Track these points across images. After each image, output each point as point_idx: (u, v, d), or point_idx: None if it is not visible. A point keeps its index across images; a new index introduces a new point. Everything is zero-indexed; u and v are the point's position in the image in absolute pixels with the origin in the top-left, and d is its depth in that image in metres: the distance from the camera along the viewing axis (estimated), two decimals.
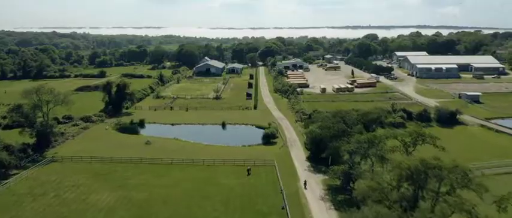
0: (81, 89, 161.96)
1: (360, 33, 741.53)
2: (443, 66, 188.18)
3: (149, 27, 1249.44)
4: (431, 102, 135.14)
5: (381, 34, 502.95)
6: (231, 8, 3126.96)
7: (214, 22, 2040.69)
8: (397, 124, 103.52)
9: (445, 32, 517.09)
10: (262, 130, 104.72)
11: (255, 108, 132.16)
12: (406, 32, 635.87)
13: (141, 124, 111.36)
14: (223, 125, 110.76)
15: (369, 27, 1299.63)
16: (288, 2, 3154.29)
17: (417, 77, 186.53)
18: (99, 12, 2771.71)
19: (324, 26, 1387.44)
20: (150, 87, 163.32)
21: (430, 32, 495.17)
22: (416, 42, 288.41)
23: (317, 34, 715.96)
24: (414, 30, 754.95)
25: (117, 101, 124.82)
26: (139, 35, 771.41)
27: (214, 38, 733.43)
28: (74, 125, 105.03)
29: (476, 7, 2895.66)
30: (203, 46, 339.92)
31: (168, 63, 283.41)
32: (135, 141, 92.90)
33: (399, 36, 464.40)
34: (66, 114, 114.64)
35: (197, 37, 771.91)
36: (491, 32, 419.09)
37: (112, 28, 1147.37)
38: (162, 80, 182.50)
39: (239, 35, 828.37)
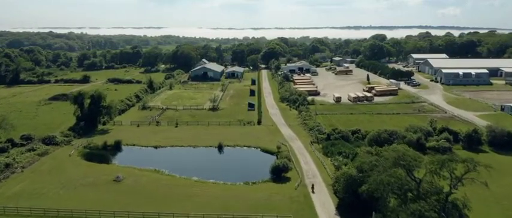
0: (56, 98, 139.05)
1: (362, 34, 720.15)
2: (472, 71, 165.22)
3: (149, 28, 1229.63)
4: (470, 116, 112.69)
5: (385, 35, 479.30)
6: (231, 8, 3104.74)
7: (214, 22, 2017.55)
8: (442, 150, 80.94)
9: (445, 32, 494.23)
10: (269, 156, 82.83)
11: (259, 122, 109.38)
12: (409, 32, 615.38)
13: (117, 146, 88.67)
14: (220, 148, 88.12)
15: (370, 27, 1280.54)
16: (288, 2, 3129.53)
17: (442, 83, 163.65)
18: (100, 12, 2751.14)
19: (325, 26, 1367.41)
20: (136, 96, 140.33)
21: (432, 33, 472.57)
22: (433, 43, 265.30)
23: (318, 34, 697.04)
24: (417, 30, 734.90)
25: (90, 116, 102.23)
26: (137, 35, 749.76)
27: (214, 38, 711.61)
28: (29, 150, 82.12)
29: (476, 8, 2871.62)
30: (201, 47, 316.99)
31: (163, 66, 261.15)
32: (103, 175, 70.03)
33: (408, 36, 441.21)
34: (25, 133, 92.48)
35: (196, 37, 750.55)
36: (506, 32, 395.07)
37: (111, 28, 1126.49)
38: (151, 86, 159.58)
39: (239, 35, 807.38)
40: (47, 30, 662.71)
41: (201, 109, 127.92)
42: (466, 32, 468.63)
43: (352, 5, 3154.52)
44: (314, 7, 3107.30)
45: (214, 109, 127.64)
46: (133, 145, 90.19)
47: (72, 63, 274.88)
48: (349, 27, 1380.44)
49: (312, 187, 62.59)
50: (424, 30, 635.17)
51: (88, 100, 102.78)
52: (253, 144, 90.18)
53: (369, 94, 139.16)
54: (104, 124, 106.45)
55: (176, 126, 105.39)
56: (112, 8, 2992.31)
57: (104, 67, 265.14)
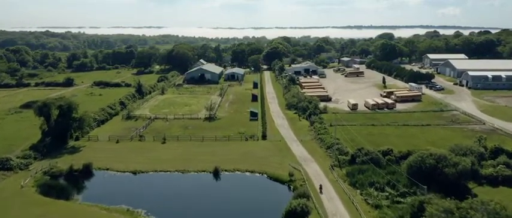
0: (28, 105, 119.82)
1: (364, 33, 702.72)
2: (502, 74, 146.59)
3: (150, 27, 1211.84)
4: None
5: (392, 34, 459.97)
6: (231, 8, 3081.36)
7: (215, 22, 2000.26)
8: (501, 179, 62.69)
9: (449, 32, 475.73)
10: (278, 186, 65.04)
11: (264, 137, 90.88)
12: (412, 32, 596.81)
13: (86, 171, 70.20)
14: (216, 173, 69.72)
15: (371, 27, 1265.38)
16: (288, 2, 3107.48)
17: (469, 87, 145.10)
18: (100, 12, 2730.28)
19: (325, 25, 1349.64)
20: (121, 102, 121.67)
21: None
22: (449, 43, 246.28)
23: (319, 34, 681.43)
24: (420, 30, 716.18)
25: (58, 130, 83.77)
26: (136, 35, 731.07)
27: (214, 38, 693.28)
28: None
29: (476, 8, 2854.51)
30: (199, 46, 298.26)
31: (157, 67, 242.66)
32: None
33: (415, 35, 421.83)
34: None
35: (196, 37, 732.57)
36: None
37: (111, 28, 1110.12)
38: (140, 91, 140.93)
39: (240, 34, 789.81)
40: (45, 30, 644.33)
41: (195, 119, 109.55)
42: (468, 31, 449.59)
43: (352, 4, 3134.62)
44: (314, 7, 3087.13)
45: (210, 118, 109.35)
46: (107, 169, 71.59)
47: (60, 63, 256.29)
48: (350, 27, 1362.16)
49: (320, 188, 60.08)
50: (426, 30, 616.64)
51: (56, 111, 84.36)
52: (257, 167, 71.70)
53: (389, 101, 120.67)
54: (77, 139, 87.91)
55: (163, 142, 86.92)
56: (112, 8, 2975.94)
57: (94, 68, 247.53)
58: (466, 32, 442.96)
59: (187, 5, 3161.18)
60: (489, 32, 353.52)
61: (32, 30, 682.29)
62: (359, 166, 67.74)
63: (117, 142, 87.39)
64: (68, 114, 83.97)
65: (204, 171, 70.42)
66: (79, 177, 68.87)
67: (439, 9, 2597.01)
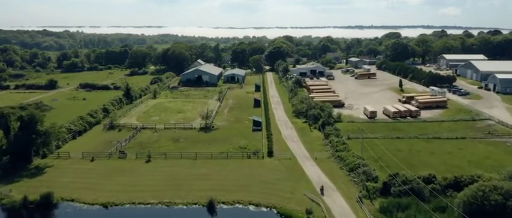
0: None
1: (366, 33, 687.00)
2: None
3: (150, 27, 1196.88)
4: None
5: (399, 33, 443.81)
6: (231, 7, 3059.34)
7: (215, 22, 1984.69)
8: None
9: (450, 32, 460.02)
10: None
11: (270, 153, 75.37)
12: (413, 31, 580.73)
13: (45, 204, 54.83)
14: (211, 207, 54.36)
15: (372, 27, 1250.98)
16: (289, 2, 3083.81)
17: (497, 92, 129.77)
18: (100, 12, 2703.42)
19: (326, 25, 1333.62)
20: (104, 108, 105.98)
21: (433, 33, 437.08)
22: (465, 43, 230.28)
23: (320, 34, 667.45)
24: (421, 30, 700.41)
25: (19, 147, 68.26)
26: (134, 34, 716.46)
27: (214, 37, 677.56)
28: None
29: (477, 7, 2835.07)
30: (197, 46, 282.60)
31: (152, 67, 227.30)
32: None
33: (421, 35, 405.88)
34: None
35: (196, 36, 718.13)
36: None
37: (111, 27, 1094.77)
38: (128, 95, 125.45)
39: (240, 34, 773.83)
40: (42, 29, 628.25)
41: (189, 129, 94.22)
42: (470, 31, 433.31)
43: (353, 4, 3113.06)
44: (314, 7, 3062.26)
45: (207, 128, 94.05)
46: (72, 200, 56.16)
47: (50, 63, 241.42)
48: (351, 27, 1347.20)
49: (321, 189, 57.31)
50: (428, 30, 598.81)
51: (16, 124, 68.95)
52: (264, 198, 56.28)
53: (413, 108, 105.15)
54: (44, 156, 72.48)
55: (148, 161, 71.43)
56: (113, 7, 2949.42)
57: (86, 68, 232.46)
58: (471, 32, 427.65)
59: (187, 5, 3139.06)
60: (500, 32, 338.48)
61: (31, 29, 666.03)
62: (397, 200, 52.38)
63: (92, 160, 71.86)
64: (30, 127, 68.45)
65: (195, 204, 55.09)
66: (35, 212, 53.51)
67: (439, 9, 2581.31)
